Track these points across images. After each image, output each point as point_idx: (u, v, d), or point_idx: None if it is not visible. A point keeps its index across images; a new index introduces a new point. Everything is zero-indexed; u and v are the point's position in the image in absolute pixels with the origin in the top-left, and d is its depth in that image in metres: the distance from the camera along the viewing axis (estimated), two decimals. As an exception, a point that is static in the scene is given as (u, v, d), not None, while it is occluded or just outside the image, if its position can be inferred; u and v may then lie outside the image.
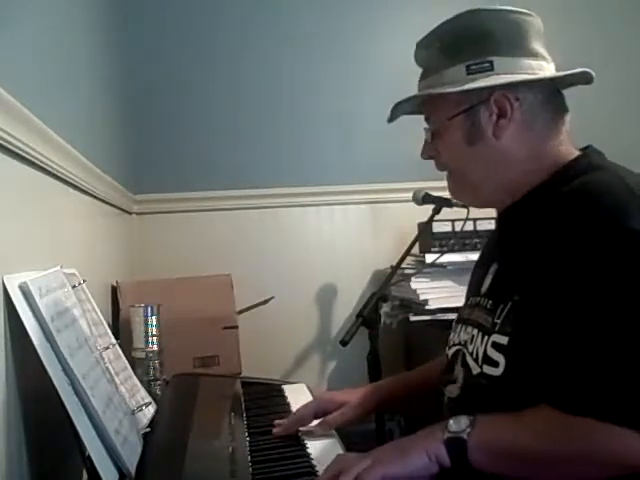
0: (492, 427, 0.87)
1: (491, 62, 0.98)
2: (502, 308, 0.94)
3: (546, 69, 1.01)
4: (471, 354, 0.99)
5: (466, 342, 1.02)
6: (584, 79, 1.02)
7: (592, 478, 0.82)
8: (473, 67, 0.99)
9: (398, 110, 1.07)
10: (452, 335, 1.11)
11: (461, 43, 1.01)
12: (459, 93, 0.99)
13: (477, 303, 1.04)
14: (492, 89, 0.98)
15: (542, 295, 0.88)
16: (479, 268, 1.13)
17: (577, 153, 1.01)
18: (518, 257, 0.97)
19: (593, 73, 1.01)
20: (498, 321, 0.94)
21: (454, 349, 1.07)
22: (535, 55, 1.01)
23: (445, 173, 1.08)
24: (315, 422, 1.15)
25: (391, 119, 1.10)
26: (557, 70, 1.03)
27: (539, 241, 0.92)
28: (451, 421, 0.89)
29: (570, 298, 0.84)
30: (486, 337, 0.95)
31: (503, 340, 0.92)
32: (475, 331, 1.00)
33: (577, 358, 0.82)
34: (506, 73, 0.98)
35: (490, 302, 0.99)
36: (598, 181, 0.91)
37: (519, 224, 1.01)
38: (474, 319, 1.03)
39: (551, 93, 1.01)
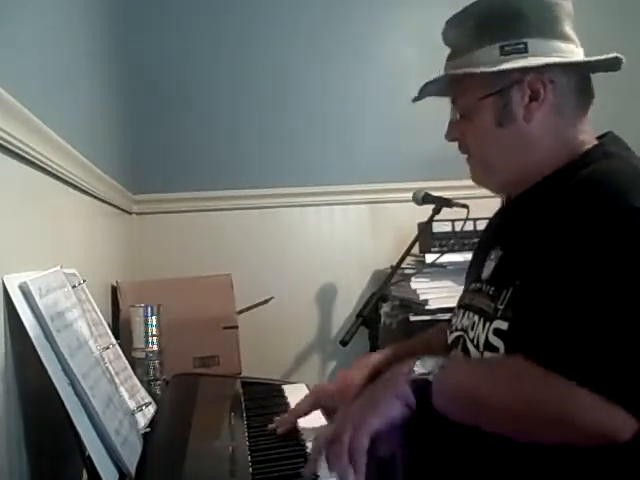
0: (459, 371, 0.86)
1: (525, 44, 0.97)
2: (505, 294, 0.94)
3: (576, 53, 1.00)
4: (472, 340, 0.98)
5: (467, 328, 1.02)
6: (613, 65, 1.01)
7: (554, 440, 0.80)
8: (507, 48, 0.98)
9: (425, 91, 1.06)
10: (454, 320, 1.10)
11: (495, 24, 0.99)
12: (492, 74, 0.97)
13: (479, 289, 1.04)
14: (527, 70, 0.97)
15: (542, 277, 0.87)
16: (478, 253, 1.13)
17: (594, 142, 1.00)
18: (522, 243, 0.97)
19: (624, 59, 0.99)
20: (501, 307, 0.93)
21: (455, 334, 1.07)
22: (566, 38, 1.00)
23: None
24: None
25: (417, 98, 1.08)
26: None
27: (542, 227, 0.92)
28: (417, 362, 0.87)
29: (569, 277, 0.83)
30: (488, 323, 0.95)
31: (504, 326, 0.91)
32: (476, 317, 1.00)
33: (572, 327, 0.80)
34: (540, 55, 0.97)
35: (492, 288, 0.99)
36: (605, 168, 0.91)
37: (527, 212, 1.00)
38: (476, 305, 1.02)
39: (582, 77, 1.01)
